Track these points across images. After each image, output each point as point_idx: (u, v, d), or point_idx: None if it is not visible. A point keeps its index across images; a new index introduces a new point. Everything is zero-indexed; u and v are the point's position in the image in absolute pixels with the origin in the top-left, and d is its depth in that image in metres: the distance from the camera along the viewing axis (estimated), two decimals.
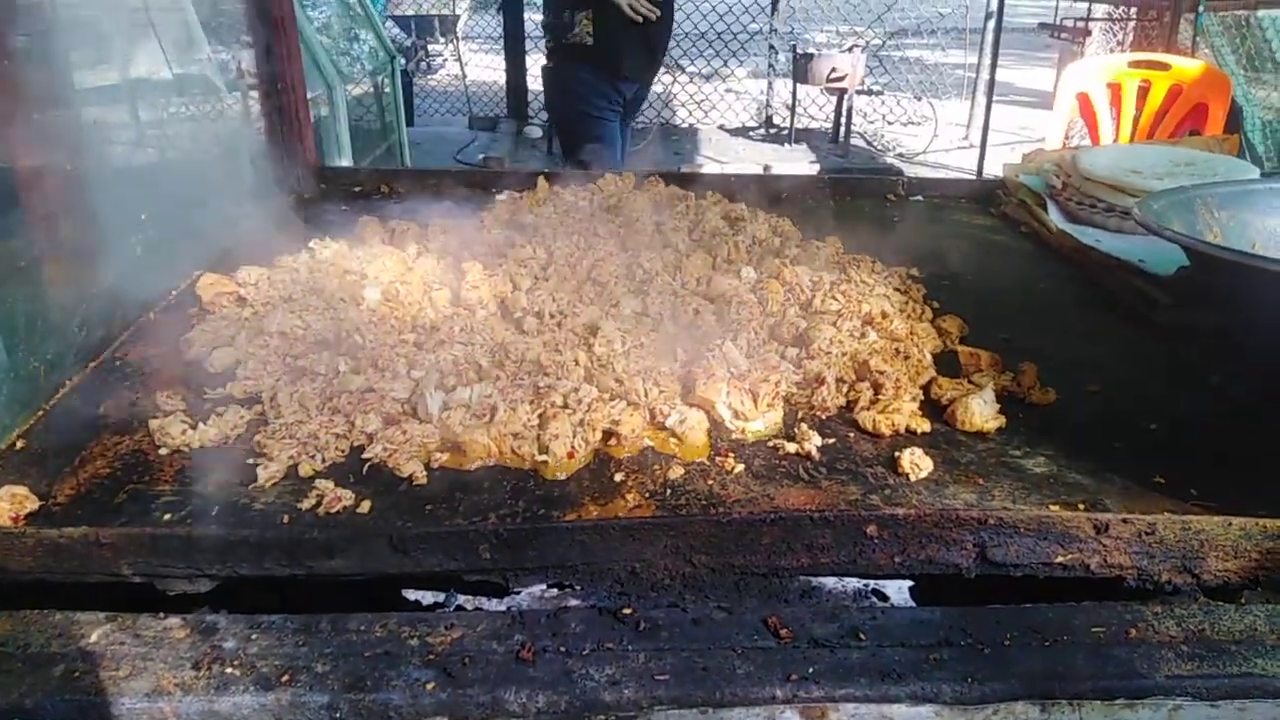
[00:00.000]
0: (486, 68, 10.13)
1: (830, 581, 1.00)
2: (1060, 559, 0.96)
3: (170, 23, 3.56)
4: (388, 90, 6.12)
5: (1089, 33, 6.40)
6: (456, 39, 10.07)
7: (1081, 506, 1.03)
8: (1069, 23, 6.22)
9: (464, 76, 9.37)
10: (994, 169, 6.62)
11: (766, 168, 7.17)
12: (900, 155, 7.95)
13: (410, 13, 10.37)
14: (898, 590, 1.00)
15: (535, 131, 8.11)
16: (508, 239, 1.65)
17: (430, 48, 10.47)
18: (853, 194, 2.22)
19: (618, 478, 1.09)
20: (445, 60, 10.73)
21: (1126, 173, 1.84)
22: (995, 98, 6.10)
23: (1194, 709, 0.82)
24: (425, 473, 1.09)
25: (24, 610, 0.91)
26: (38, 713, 0.80)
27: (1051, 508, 1.03)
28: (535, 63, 8.46)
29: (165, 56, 3.51)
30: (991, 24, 7.69)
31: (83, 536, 0.93)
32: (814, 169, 7.34)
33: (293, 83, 2.01)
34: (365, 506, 1.03)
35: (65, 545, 0.93)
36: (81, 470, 1.10)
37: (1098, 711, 0.82)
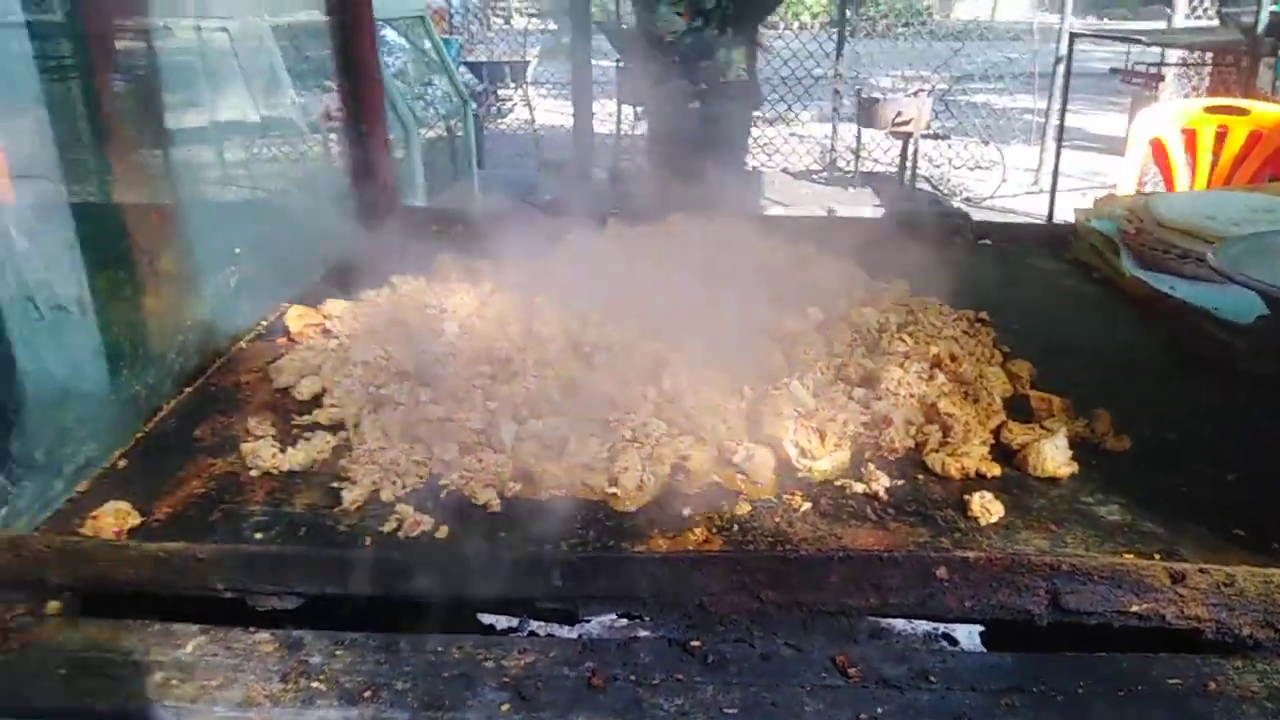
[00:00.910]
0: (554, 112, 10.38)
1: (900, 623, 1.00)
2: (1135, 608, 0.95)
3: (258, 67, 3.74)
4: (460, 133, 6.31)
5: (1162, 78, 6.31)
6: (526, 84, 10.33)
7: (1157, 556, 1.02)
8: (1141, 68, 6.14)
9: (533, 121, 9.61)
10: (1064, 214, 6.54)
11: (830, 210, 7.18)
12: (967, 199, 7.89)
13: (483, 59, 10.68)
14: (968, 635, 1.00)
15: (601, 174, 8.26)
16: (576, 276, 1.69)
17: (500, 93, 10.76)
18: (919, 237, 2.22)
19: (685, 512, 1.11)
20: (515, 105, 11.01)
21: (1202, 218, 1.82)
22: (1065, 143, 6.04)
23: None
24: (499, 500, 1.13)
25: (126, 619, 0.97)
26: (139, 718, 0.85)
27: (1126, 556, 1.02)
28: (601, 107, 8.66)
29: (254, 100, 3.69)
30: (1061, 68, 7.66)
31: (181, 552, 0.99)
32: (879, 212, 7.33)
33: (374, 126, 2.10)
34: (443, 531, 1.07)
35: (165, 559, 0.99)
36: (179, 489, 1.17)
37: None
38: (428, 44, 6.16)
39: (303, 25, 4.08)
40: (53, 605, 1.00)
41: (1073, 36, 5.93)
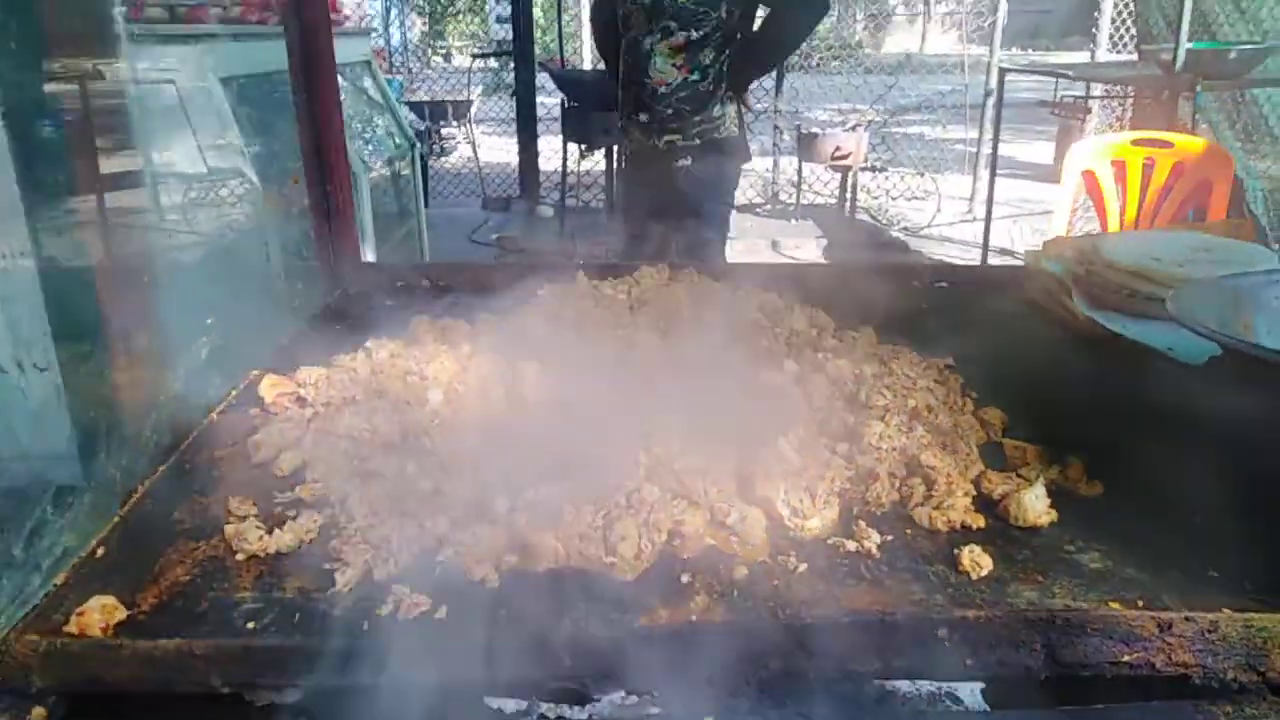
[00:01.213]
0: (498, 150, 10.40)
1: (904, 685, 1.02)
2: (1126, 658, 0.98)
3: (208, 122, 3.69)
4: (405, 174, 6.29)
5: (1089, 109, 6.57)
6: (469, 123, 10.35)
7: (1140, 604, 1.06)
8: (1068, 99, 6.40)
9: (477, 159, 9.61)
10: (997, 240, 6.75)
11: (775, 243, 7.31)
12: (905, 229, 8.09)
13: (424, 98, 10.67)
14: (970, 693, 1.02)
15: (547, 211, 8.29)
16: (554, 335, 1.70)
17: (443, 131, 10.75)
18: (879, 281, 2.28)
19: (684, 578, 1.12)
20: (458, 143, 11.01)
21: (1148, 259, 1.90)
22: (996, 172, 6.24)
23: None
24: (496, 575, 1.12)
25: None
26: None
27: (1112, 605, 1.05)
28: (546, 144, 8.71)
29: (202, 153, 3.63)
30: (991, 101, 7.93)
31: (176, 649, 0.96)
32: (821, 244, 7.48)
33: (340, 180, 2.09)
34: (442, 612, 1.06)
35: (160, 657, 0.96)
36: (162, 578, 1.14)
37: None
38: (370, 85, 6.14)
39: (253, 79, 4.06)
40: (37, 712, 0.97)
41: (1002, 71, 6.15)
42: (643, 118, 3.12)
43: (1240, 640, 0.98)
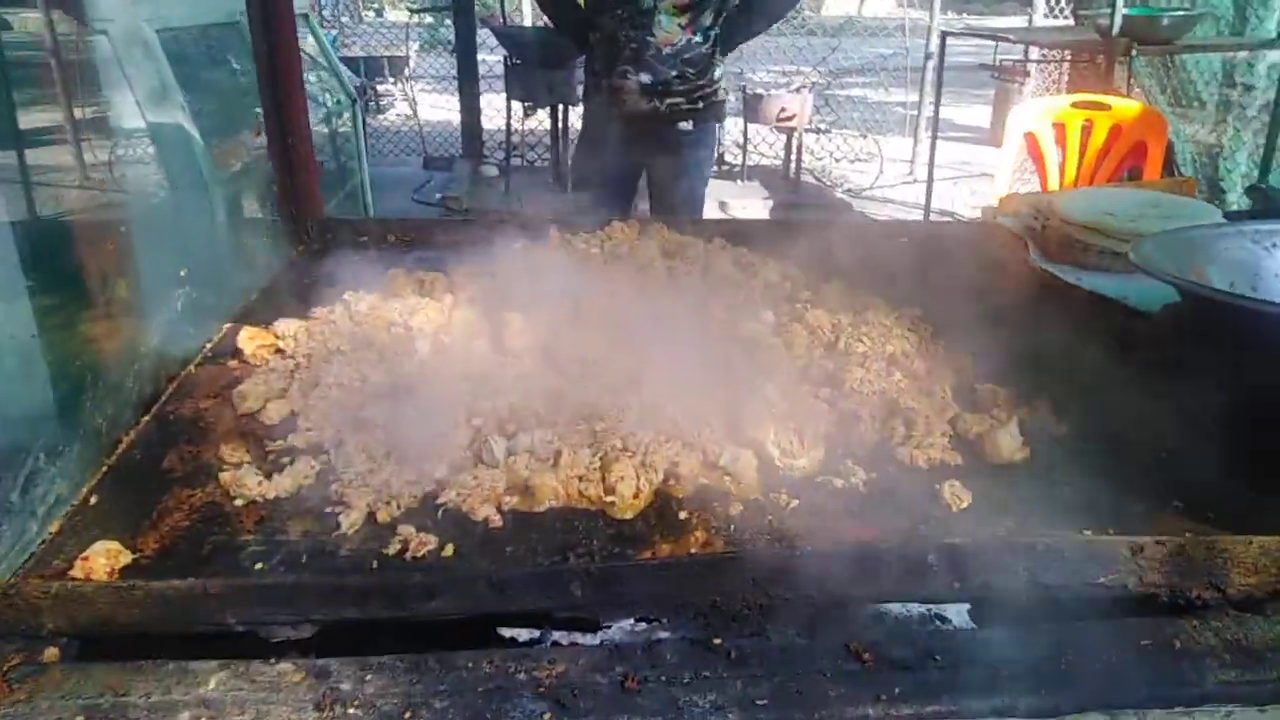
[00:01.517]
0: (437, 108, 10.20)
1: (895, 608, 1.07)
2: (1102, 579, 1.05)
3: (145, 79, 3.56)
4: (345, 130, 6.14)
5: (1028, 73, 6.72)
6: (406, 79, 10.12)
7: (1111, 531, 1.13)
8: (1007, 63, 6.53)
9: (417, 117, 9.42)
10: (938, 202, 6.90)
11: (723, 204, 7.34)
12: (849, 191, 8.20)
13: (359, 54, 10.39)
14: (957, 614, 1.08)
15: (491, 170, 8.18)
16: (533, 287, 1.71)
17: (380, 88, 10.50)
18: (843, 239, 2.33)
19: (682, 515, 1.16)
20: (395, 100, 10.76)
21: (1102, 215, 1.98)
22: (937, 134, 6.36)
23: (1244, 714, 0.91)
24: (499, 515, 1.14)
25: (138, 660, 0.94)
26: None
27: (1085, 533, 1.12)
28: (489, 103, 8.58)
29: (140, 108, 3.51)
30: (931, 64, 8.05)
31: (190, 589, 0.97)
32: (768, 204, 7.54)
33: (301, 133, 2.05)
34: (449, 550, 1.08)
35: (173, 597, 0.97)
36: (161, 523, 1.13)
37: (1160, 719, 0.91)
38: (310, 40, 5.97)
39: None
40: (50, 652, 0.97)
41: (944, 35, 6.24)
42: (644, 78, 2.97)
43: (1204, 561, 1.06)
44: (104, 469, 1.25)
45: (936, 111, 6.31)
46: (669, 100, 3.02)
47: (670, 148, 3.12)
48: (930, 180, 6.33)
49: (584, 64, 3.19)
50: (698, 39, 2.98)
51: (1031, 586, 1.05)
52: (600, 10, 2.98)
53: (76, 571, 1.02)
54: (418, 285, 1.70)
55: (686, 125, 3.08)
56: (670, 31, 2.94)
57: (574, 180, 3.26)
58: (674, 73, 2.98)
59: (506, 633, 1.04)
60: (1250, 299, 1.34)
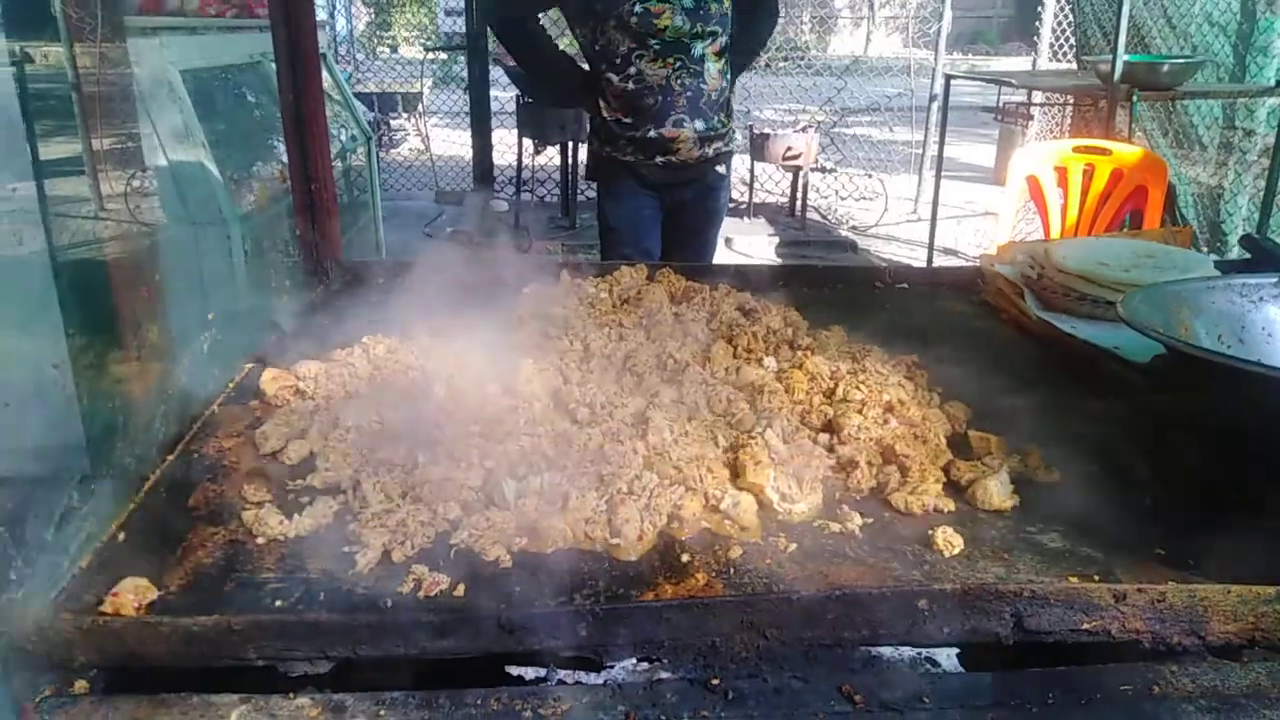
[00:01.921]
0: (450, 142, 10.36)
1: (887, 651, 1.12)
2: (1086, 625, 1.10)
3: (168, 118, 3.66)
4: (358, 166, 6.26)
5: (1031, 116, 6.82)
6: (419, 115, 10.29)
7: (1096, 578, 1.17)
8: (1011, 105, 6.63)
9: (429, 151, 9.57)
10: (942, 240, 6.98)
11: (728, 240, 7.43)
12: (854, 228, 8.30)
13: (374, 89, 10.59)
14: (947, 657, 1.12)
15: (501, 205, 8.30)
16: (543, 332, 1.78)
17: (393, 123, 10.68)
18: (843, 282, 2.40)
19: (684, 558, 1.21)
20: (407, 135, 10.94)
21: (1096, 265, 2.04)
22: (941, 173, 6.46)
23: None
24: (509, 556, 1.19)
25: (161, 694, 0.99)
26: None
27: (1071, 579, 1.17)
28: (500, 139, 8.72)
29: (162, 145, 3.60)
30: (936, 105, 8.18)
31: (215, 625, 1.02)
32: (773, 241, 7.63)
33: (324, 178, 2.13)
34: (460, 590, 1.13)
35: (199, 633, 1.02)
36: (186, 560, 1.19)
37: None
38: (326, 77, 6.10)
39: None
40: (80, 685, 1.02)
41: (948, 77, 6.36)
42: (699, 125, 2.96)
43: (1185, 608, 1.10)
44: (132, 507, 1.30)
45: (941, 151, 6.42)
46: (714, 144, 3.05)
47: (706, 191, 3.13)
48: (934, 219, 6.42)
49: (591, 117, 3.10)
50: (726, 81, 3.03)
51: (1017, 632, 1.10)
52: (653, 59, 2.87)
53: (106, 607, 1.07)
54: (432, 329, 1.76)
55: (722, 168, 3.12)
56: (715, 77, 2.97)
57: (607, 243, 3.16)
58: (717, 117, 3.01)
59: (514, 670, 1.08)
60: (1229, 356, 1.39)
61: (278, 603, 1.11)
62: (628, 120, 2.98)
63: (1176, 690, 1.03)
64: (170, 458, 1.43)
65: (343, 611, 1.08)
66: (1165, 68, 4.59)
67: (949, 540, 1.23)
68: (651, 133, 2.96)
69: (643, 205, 3.10)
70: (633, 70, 2.90)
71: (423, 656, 1.05)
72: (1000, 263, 2.31)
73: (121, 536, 1.23)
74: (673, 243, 3.20)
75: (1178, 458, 1.46)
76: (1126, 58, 4.56)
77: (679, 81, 2.92)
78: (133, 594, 1.08)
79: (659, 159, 3.01)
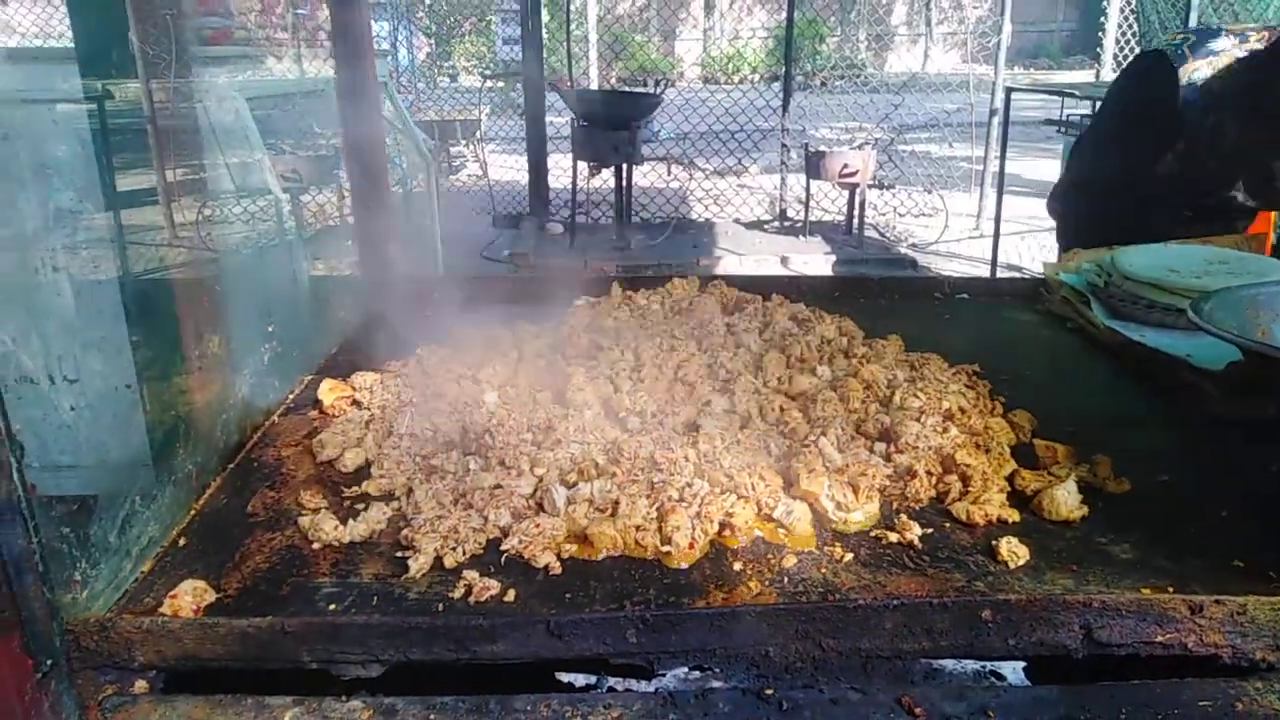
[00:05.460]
0: (507, 168, 10.51)
1: (949, 663, 1.08)
2: (1160, 638, 1.05)
3: (235, 145, 3.78)
4: (421, 191, 6.39)
5: None
6: (478, 141, 10.48)
7: (1171, 590, 1.12)
8: (1074, 118, 6.48)
9: (486, 176, 9.73)
10: (1005, 256, 6.84)
11: (785, 259, 7.39)
12: (913, 246, 8.17)
13: (434, 118, 10.81)
14: (1013, 670, 1.08)
15: (557, 228, 8.38)
16: (594, 342, 1.77)
17: (452, 150, 10.88)
18: (901, 293, 2.35)
19: (736, 566, 1.18)
20: (466, 161, 11.14)
21: (1165, 271, 1.97)
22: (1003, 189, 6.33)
23: None
24: (559, 563, 1.19)
25: (217, 694, 1.00)
26: None
27: (1144, 591, 1.12)
28: (555, 163, 8.82)
29: (229, 170, 3.71)
30: (996, 119, 8.04)
31: (269, 626, 1.03)
32: (830, 260, 7.56)
33: (382, 200, 2.17)
34: (511, 595, 1.13)
35: (253, 635, 1.03)
36: (244, 565, 1.20)
37: None
38: (388, 105, 6.25)
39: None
40: (140, 685, 1.03)
41: (1009, 91, 6.25)
42: None
43: (1268, 622, 1.04)
44: (192, 513, 1.33)
45: (1002, 166, 6.30)
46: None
47: None
48: (997, 234, 6.29)
49: None
50: None
51: (1087, 645, 1.05)
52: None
53: (165, 609, 1.08)
54: (486, 341, 1.78)
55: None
56: None
57: None
58: None
59: (564, 677, 1.07)
60: None
61: (331, 606, 1.12)
62: None
63: (1261, 708, 0.97)
64: (231, 465, 1.46)
65: (394, 615, 1.07)
66: None
67: (1014, 551, 1.18)
68: None
69: None
70: None
71: (473, 661, 1.04)
72: (1065, 272, 2.25)
73: (182, 541, 1.26)
74: None
75: (1255, 466, 1.39)
76: None
77: None
78: (191, 596, 1.10)
79: None
